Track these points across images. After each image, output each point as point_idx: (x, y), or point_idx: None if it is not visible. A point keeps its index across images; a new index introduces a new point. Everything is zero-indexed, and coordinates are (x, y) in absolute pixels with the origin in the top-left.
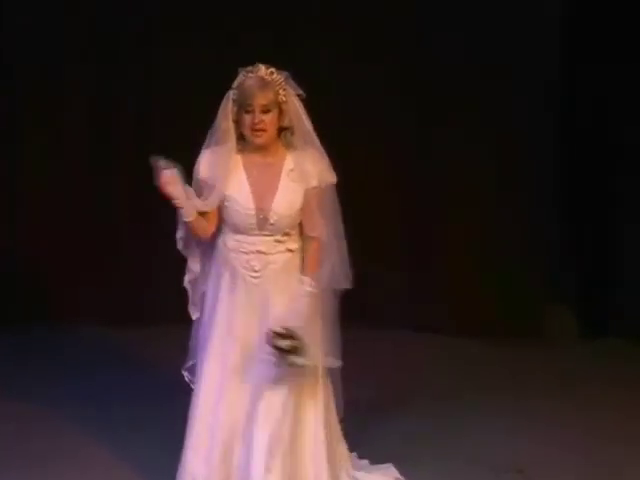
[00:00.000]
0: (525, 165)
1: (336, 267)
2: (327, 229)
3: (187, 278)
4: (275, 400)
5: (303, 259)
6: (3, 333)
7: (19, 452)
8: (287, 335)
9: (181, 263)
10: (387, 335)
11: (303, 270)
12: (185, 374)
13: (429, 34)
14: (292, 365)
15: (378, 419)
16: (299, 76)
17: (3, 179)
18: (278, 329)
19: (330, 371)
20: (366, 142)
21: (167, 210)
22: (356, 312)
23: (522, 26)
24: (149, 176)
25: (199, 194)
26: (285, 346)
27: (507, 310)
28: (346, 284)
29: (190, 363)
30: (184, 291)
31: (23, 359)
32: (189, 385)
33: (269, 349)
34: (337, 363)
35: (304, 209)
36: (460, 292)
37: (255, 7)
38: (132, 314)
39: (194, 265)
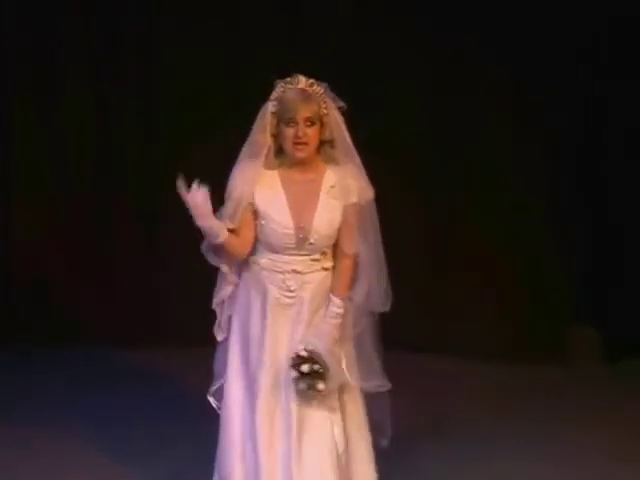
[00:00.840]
0: (549, 181)
1: (374, 288)
2: (366, 247)
3: (216, 300)
4: (322, 432)
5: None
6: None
7: (24, 473)
8: (309, 359)
9: (187, 280)
10: (399, 356)
11: (334, 289)
12: (211, 399)
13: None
14: (311, 389)
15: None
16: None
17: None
18: (302, 352)
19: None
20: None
21: (175, 217)
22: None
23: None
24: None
25: (236, 211)
26: (306, 370)
27: (525, 330)
28: (385, 307)
29: (216, 387)
30: (187, 311)
31: (24, 379)
32: (194, 405)
33: (292, 372)
34: (385, 386)
35: (342, 226)
36: (475, 311)
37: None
38: (136, 333)
39: (226, 288)
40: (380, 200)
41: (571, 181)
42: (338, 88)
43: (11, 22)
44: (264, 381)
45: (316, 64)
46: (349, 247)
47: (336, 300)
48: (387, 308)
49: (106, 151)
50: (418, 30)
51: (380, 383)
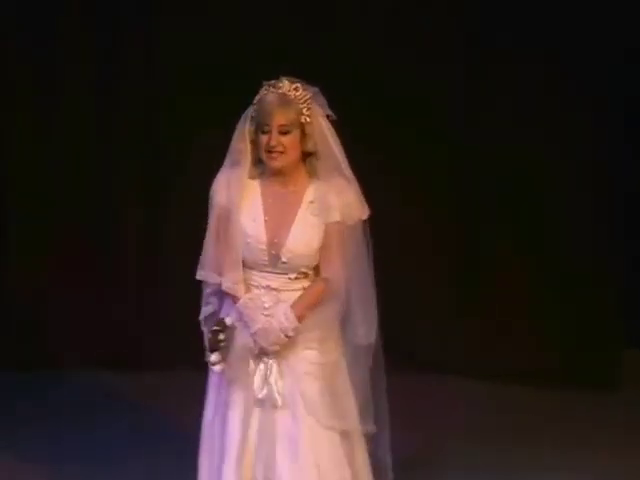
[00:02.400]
0: (597, 195)
1: (357, 319)
2: (347, 273)
3: (201, 317)
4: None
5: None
6: None
7: None
8: (222, 326)
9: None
10: (436, 382)
11: (293, 303)
12: None
13: None
14: (208, 359)
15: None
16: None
17: None
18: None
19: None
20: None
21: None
22: (404, 358)
23: None
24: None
25: (217, 218)
26: (212, 334)
27: (573, 353)
28: (367, 339)
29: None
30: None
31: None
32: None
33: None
34: (370, 428)
35: (322, 246)
36: (517, 335)
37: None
38: (129, 358)
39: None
40: (409, 216)
41: (619, 195)
42: (363, 90)
43: (11, 22)
44: (243, 408)
45: (320, 63)
46: (325, 269)
47: (290, 314)
48: (371, 341)
49: (106, 152)
50: (451, 34)
51: (365, 425)
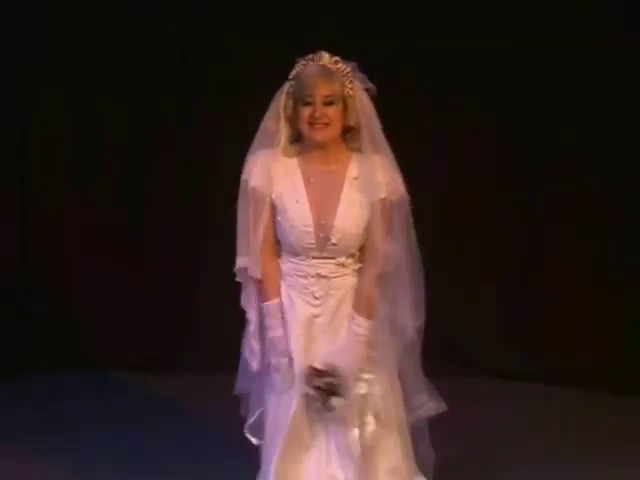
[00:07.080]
0: None
1: (406, 303)
2: (395, 254)
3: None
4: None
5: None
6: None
7: None
8: (326, 373)
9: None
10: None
11: (356, 306)
12: (248, 434)
13: None
14: (329, 408)
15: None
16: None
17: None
18: (318, 366)
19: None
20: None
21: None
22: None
23: None
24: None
25: (249, 203)
26: (323, 385)
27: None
28: (416, 324)
29: (252, 419)
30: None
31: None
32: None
33: (307, 389)
34: (442, 407)
35: (370, 226)
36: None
37: None
38: (166, 360)
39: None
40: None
41: None
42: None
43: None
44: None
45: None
46: (372, 252)
47: (359, 319)
48: (418, 325)
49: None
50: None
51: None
